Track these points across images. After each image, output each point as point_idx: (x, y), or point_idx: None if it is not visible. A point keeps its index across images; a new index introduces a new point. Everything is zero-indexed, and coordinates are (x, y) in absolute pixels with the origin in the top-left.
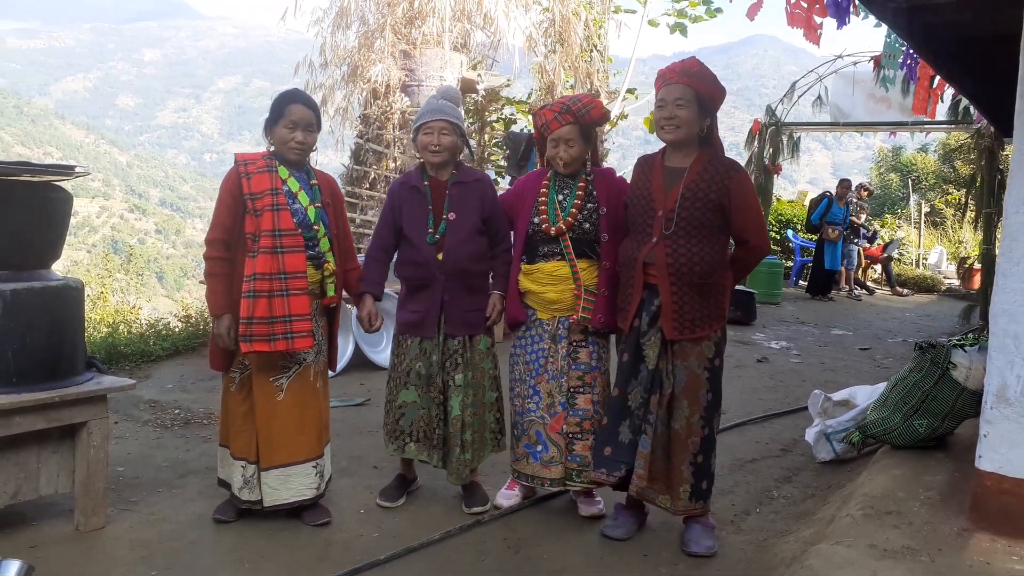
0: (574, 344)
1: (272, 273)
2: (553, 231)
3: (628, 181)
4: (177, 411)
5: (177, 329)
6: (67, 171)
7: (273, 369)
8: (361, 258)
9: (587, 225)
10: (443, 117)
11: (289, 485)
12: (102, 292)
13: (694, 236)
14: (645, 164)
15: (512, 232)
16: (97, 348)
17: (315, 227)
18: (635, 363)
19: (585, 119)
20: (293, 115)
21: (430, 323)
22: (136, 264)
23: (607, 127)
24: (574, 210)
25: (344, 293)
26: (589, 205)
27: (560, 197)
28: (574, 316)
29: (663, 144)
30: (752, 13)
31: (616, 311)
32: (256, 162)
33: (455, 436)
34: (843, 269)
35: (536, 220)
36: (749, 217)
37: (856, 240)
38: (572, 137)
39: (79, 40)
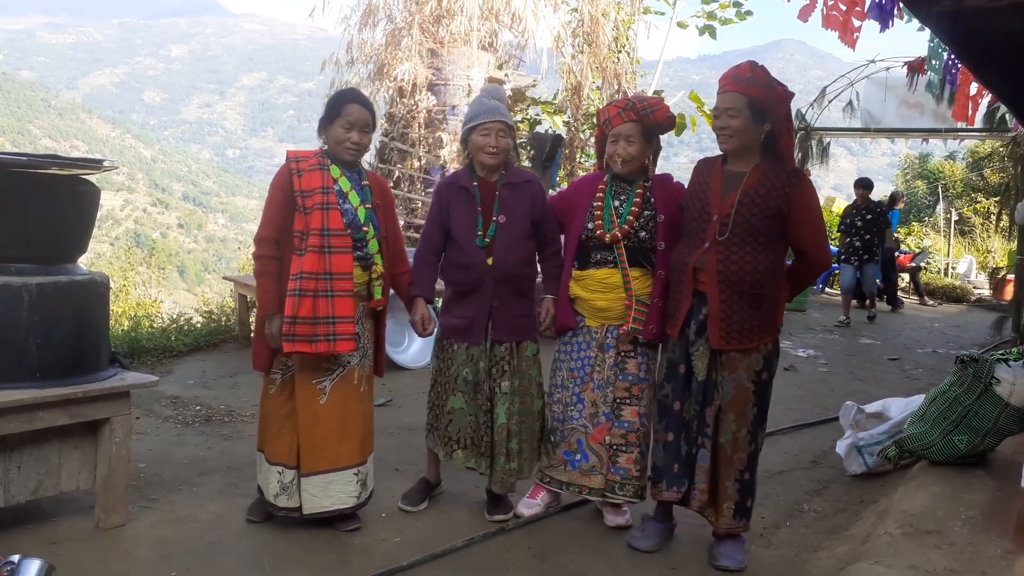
0: (622, 354)
1: (318, 273)
2: (608, 238)
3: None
4: (198, 407)
5: (198, 324)
6: (95, 165)
7: (317, 371)
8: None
9: (643, 233)
10: (501, 118)
11: (329, 492)
12: (124, 285)
13: (749, 243)
14: (705, 167)
15: (564, 235)
16: (119, 342)
17: (364, 228)
18: (688, 375)
19: (649, 119)
20: (350, 115)
21: (478, 329)
22: (158, 258)
23: None
24: (631, 217)
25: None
26: (646, 212)
27: (616, 203)
28: (624, 326)
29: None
30: (805, 15)
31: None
32: (308, 159)
33: (501, 444)
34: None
35: (590, 226)
36: (809, 228)
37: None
38: (633, 135)
39: (107, 35)
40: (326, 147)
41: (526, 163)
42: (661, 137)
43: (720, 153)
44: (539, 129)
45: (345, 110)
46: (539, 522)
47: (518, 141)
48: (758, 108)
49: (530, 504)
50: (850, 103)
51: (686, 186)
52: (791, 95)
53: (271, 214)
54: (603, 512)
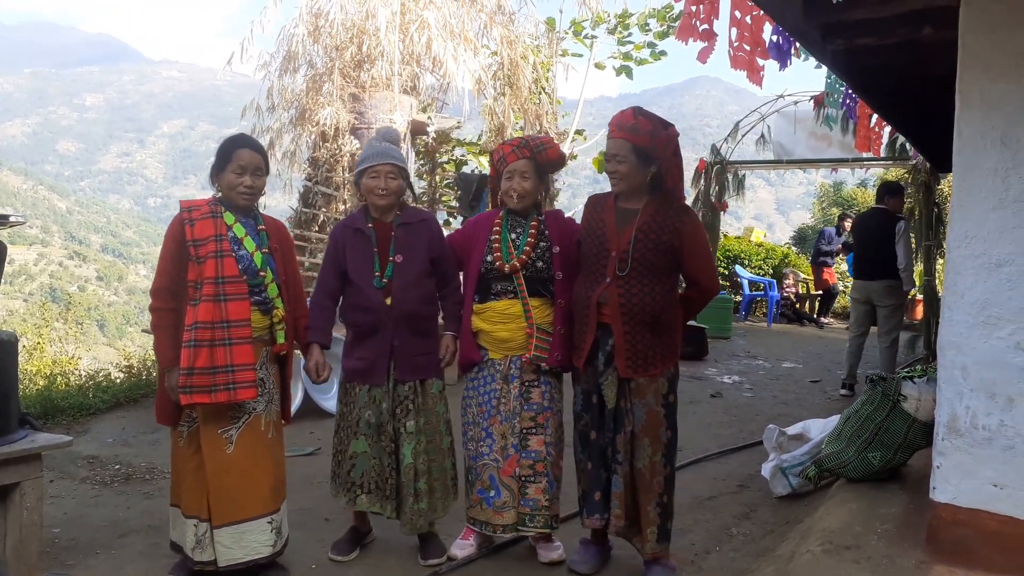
0: (526, 384)
1: (214, 321)
2: (507, 268)
3: (578, 222)
4: (117, 466)
5: (118, 380)
6: (1, 220)
7: (221, 420)
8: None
9: (540, 263)
10: (389, 160)
11: (243, 543)
12: (39, 343)
13: (646, 277)
14: (598, 204)
15: (462, 272)
16: (32, 402)
17: (261, 273)
18: (602, 404)
19: (541, 156)
20: (241, 160)
21: (379, 370)
22: (76, 312)
23: None
24: (527, 248)
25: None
26: (542, 244)
27: (513, 236)
28: (527, 355)
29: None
30: (704, 56)
31: (572, 349)
32: (200, 208)
33: (408, 485)
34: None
35: (489, 258)
36: (700, 259)
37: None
38: (527, 171)
39: (18, 85)
40: (219, 194)
41: (454, 203)
42: (594, 173)
43: (611, 190)
44: (465, 169)
45: (236, 155)
46: (473, 563)
47: (445, 182)
48: (643, 152)
49: (463, 546)
50: (762, 136)
51: (579, 222)
52: (676, 135)
53: (164, 265)
54: (536, 548)
